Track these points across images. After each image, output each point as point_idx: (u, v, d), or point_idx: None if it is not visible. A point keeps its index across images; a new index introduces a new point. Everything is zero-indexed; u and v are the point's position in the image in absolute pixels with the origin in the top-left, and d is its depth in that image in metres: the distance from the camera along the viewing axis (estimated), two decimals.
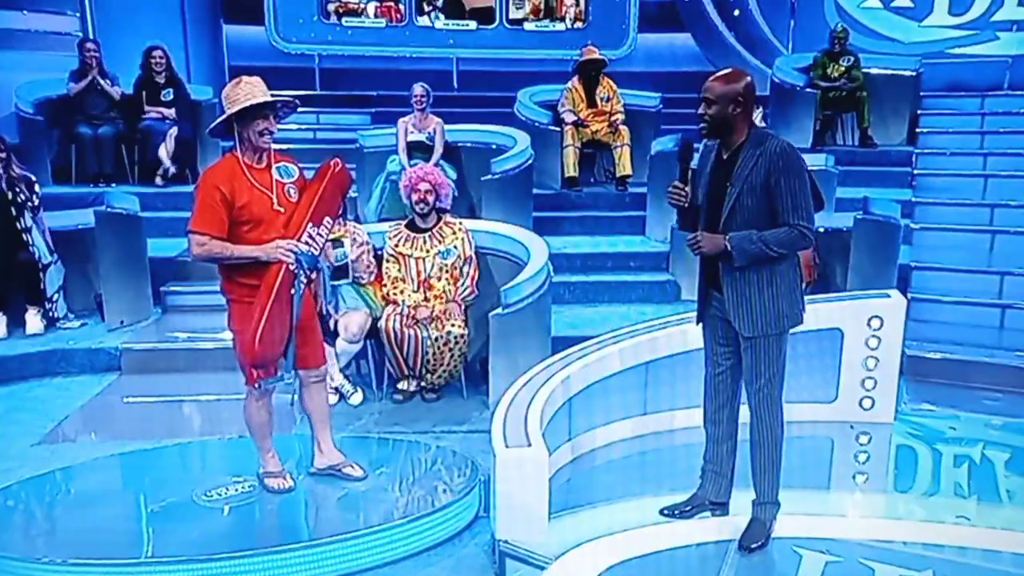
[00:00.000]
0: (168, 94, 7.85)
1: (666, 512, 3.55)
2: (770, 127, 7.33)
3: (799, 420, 4.61)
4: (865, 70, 8.67)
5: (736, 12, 10.68)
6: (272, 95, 3.48)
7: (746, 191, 3.09)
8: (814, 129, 8.50)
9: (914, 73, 8.76)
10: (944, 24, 10.06)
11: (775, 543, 3.35)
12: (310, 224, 3.44)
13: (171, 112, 7.79)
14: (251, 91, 3.38)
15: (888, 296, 4.66)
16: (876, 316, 4.58)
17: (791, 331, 3.30)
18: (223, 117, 3.42)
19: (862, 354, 4.60)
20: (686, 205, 3.24)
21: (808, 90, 8.56)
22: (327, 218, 3.52)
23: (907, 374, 4.97)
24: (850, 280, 5.89)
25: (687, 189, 3.23)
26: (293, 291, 3.41)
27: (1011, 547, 3.30)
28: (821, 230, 6.19)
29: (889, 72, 8.78)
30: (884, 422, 4.63)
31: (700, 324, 3.41)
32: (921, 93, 8.80)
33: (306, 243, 3.41)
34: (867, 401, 4.65)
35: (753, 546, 3.29)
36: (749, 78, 3.12)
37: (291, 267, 3.38)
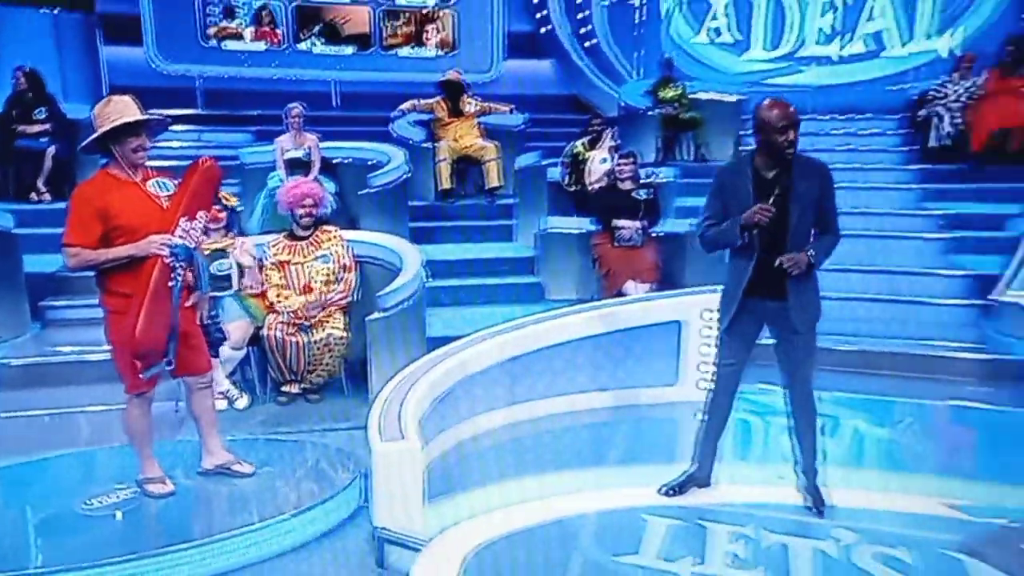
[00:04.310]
0: (40, 113, 7.31)
1: (664, 491, 3.60)
2: (621, 145, 7.57)
3: (648, 403, 4.81)
4: (696, 96, 9.05)
5: (588, 43, 10.97)
6: (147, 113, 3.30)
7: (806, 207, 3.20)
8: (657, 147, 8.81)
9: (738, 99, 9.20)
10: (760, 58, 10.66)
11: (626, 512, 3.46)
12: (184, 218, 3.26)
13: (45, 127, 7.26)
14: (122, 109, 3.21)
15: (717, 291, 4.87)
16: (708, 308, 4.79)
17: None
18: (94, 136, 3.23)
19: (698, 342, 4.81)
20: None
21: (651, 112, 8.88)
22: (200, 212, 3.35)
23: None
24: (688, 279, 6.08)
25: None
26: (171, 284, 3.23)
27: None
28: (662, 235, 6.48)
29: (717, 98, 9.20)
30: None
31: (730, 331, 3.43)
32: (743, 116, 9.13)
33: (180, 236, 3.24)
34: (704, 383, 4.85)
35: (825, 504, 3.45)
36: None
37: (167, 260, 3.20)
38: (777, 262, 3.21)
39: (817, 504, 3.46)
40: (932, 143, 8.28)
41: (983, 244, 6.24)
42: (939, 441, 4.66)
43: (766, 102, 3.24)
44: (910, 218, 7.23)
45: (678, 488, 3.61)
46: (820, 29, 10.44)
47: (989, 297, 3.26)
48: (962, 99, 8.11)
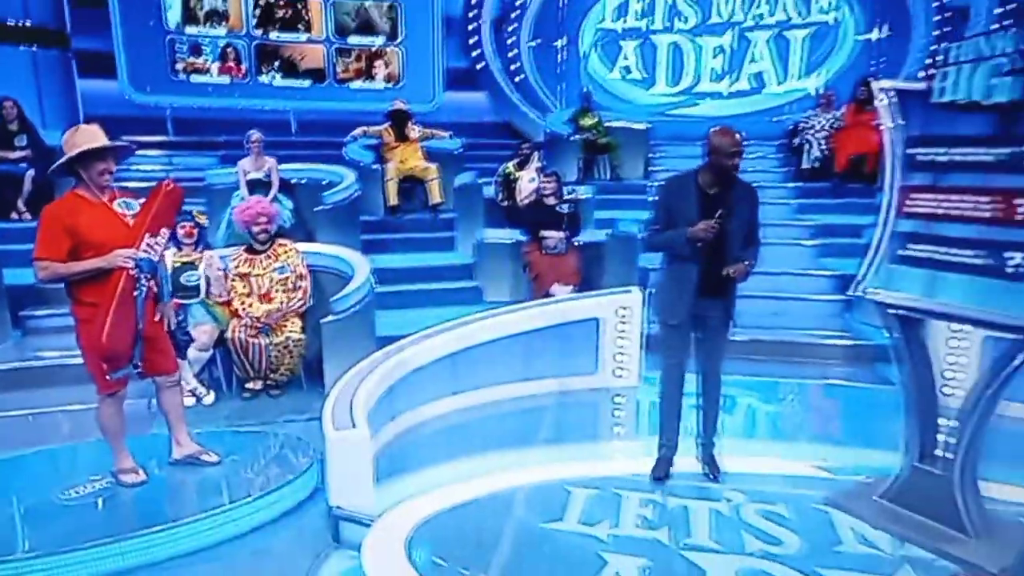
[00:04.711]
0: (21, 140, 6.97)
1: (658, 477, 3.54)
2: (547, 166, 7.62)
3: (571, 390, 4.85)
4: (611, 124, 9.19)
5: (518, 78, 11.03)
6: (113, 140, 3.17)
7: (742, 223, 3.22)
8: (578, 167, 8.89)
9: (646, 126, 9.37)
10: (663, 93, 10.89)
11: (552, 485, 3.47)
12: (147, 235, 3.15)
13: (26, 153, 6.93)
14: (89, 137, 3.08)
15: (630, 291, 4.96)
16: (623, 307, 4.87)
17: None
18: (62, 160, 3.10)
19: (614, 336, 4.88)
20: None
21: (572, 138, 8.96)
22: (163, 229, 3.24)
23: (647, 348, 5.09)
24: (605, 281, 6.17)
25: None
26: (136, 294, 3.11)
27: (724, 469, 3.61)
28: (583, 243, 6.54)
29: (629, 126, 9.33)
30: (632, 386, 4.90)
31: (675, 323, 3.38)
32: (651, 141, 9.41)
33: (144, 251, 3.12)
34: (619, 371, 4.94)
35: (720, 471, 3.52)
36: None
37: (132, 272, 3.08)
38: (725, 272, 3.23)
39: (714, 471, 3.54)
40: (805, 165, 8.59)
41: (846, 249, 6.46)
42: (812, 414, 4.83)
43: (719, 130, 3.23)
44: (788, 228, 7.45)
45: (663, 471, 3.56)
46: (712, 69, 10.74)
47: (848, 293, 3.39)
48: (827, 129, 8.46)
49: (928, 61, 9.30)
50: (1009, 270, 2.73)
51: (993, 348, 3.60)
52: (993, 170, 2.80)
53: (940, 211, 2.99)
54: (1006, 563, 2.65)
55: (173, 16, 9.52)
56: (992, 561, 2.73)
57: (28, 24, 8.65)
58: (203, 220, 5.09)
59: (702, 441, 3.59)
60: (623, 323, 4.86)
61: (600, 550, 2.93)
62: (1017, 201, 2.72)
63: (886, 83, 3.16)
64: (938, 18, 9.87)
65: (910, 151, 3.11)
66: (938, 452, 3.08)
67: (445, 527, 3.10)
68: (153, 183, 3.34)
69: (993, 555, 2.76)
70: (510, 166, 7.60)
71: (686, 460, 3.64)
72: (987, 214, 2.81)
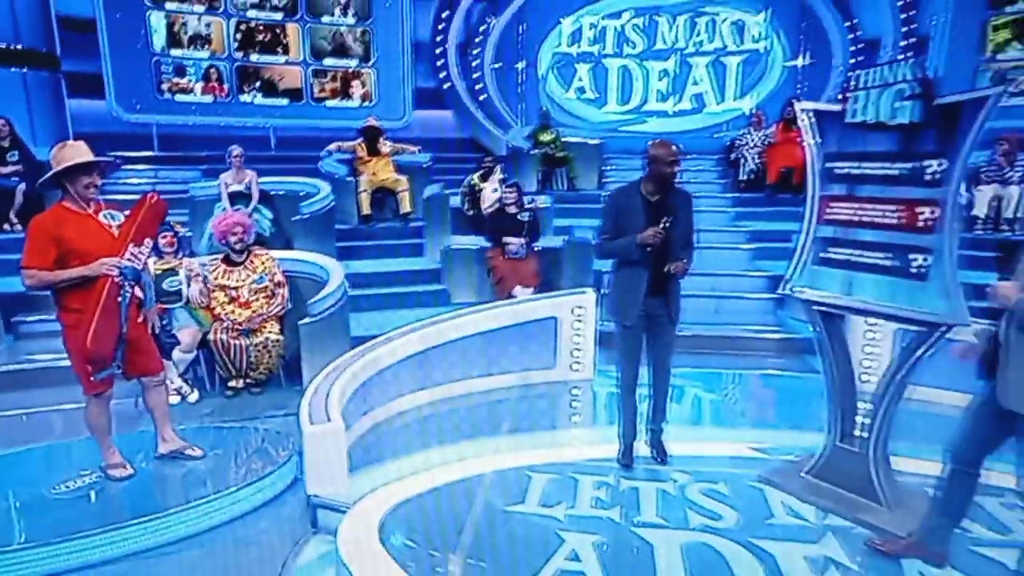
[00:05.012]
0: (13, 155, 6.74)
1: (619, 461, 3.54)
2: (508, 178, 7.63)
3: (532, 383, 4.86)
4: (567, 139, 9.25)
5: (481, 97, 11.02)
6: (101, 156, 3.10)
7: (682, 227, 3.24)
8: (537, 179, 8.92)
9: (599, 141, 9.46)
10: (615, 111, 11.01)
11: (515, 471, 3.47)
12: (132, 244, 3.07)
13: (17, 168, 6.70)
14: (75, 153, 3.00)
15: (585, 292, 5.00)
16: (578, 306, 4.90)
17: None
18: (49, 175, 3.01)
19: (570, 333, 4.91)
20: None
21: (532, 152, 8.99)
22: (147, 239, 3.16)
23: (601, 344, 5.11)
24: (563, 283, 6.21)
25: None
26: (120, 299, 3.03)
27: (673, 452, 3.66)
28: (541, 249, 6.57)
29: (583, 141, 9.40)
30: (587, 378, 4.93)
31: (629, 324, 3.36)
32: (604, 155, 9.49)
33: (128, 259, 3.04)
34: (575, 365, 4.96)
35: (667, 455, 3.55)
36: None
37: (116, 279, 3.00)
38: (666, 268, 3.24)
39: (661, 455, 3.58)
40: (741, 177, 8.75)
41: (777, 252, 6.53)
42: (748, 401, 4.92)
43: (657, 142, 3.26)
44: (727, 233, 7.59)
45: (629, 458, 3.56)
46: (658, 90, 10.88)
47: (779, 291, 3.47)
48: (759, 145, 8.65)
49: (845, 85, 9.57)
50: (913, 270, 2.83)
51: (902, 339, 3.72)
52: (898, 182, 2.91)
53: (855, 218, 3.08)
54: (913, 528, 2.74)
55: (159, 40, 9.29)
56: (902, 527, 2.82)
57: (20, 47, 8.39)
58: (182, 230, 4.97)
59: (651, 427, 3.62)
60: (579, 321, 4.89)
61: (558, 529, 2.94)
62: (919, 209, 2.82)
63: (807, 104, 3.25)
64: (854, 48, 10.20)
65: (828, 165, 3.20)
66: (856, 432, 3.17)
67: (415, 512, 3.08)
68: (140, 195, 3.26)
69: (903, 521, 2.85)
70: (475, 178, 7.59)
71: (636, 445, 3.68)
72: (894, 221, 2.91)
